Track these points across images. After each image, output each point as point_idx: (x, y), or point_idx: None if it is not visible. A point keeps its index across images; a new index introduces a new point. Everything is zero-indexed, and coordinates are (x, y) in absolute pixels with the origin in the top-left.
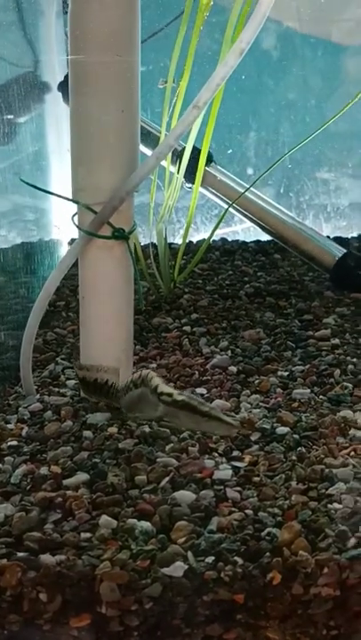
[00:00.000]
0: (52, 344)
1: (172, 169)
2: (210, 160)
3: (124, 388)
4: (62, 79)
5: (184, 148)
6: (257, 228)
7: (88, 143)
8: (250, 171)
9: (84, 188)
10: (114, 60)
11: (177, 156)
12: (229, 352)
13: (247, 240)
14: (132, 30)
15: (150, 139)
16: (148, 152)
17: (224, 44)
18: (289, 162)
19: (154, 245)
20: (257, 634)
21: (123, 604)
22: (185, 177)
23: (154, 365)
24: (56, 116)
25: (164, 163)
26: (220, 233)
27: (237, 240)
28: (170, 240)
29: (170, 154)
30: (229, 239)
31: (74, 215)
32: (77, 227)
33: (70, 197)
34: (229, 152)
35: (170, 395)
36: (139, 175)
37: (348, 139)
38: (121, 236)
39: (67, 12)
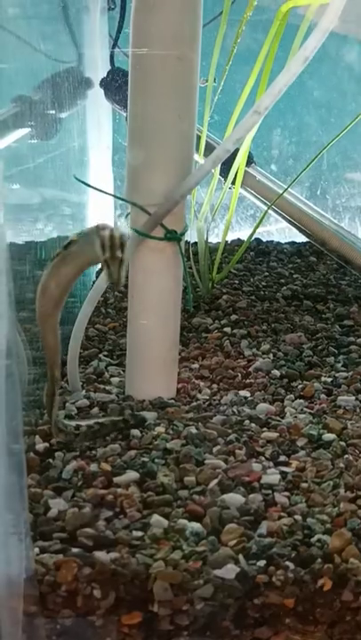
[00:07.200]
0: (95, 340)
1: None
2: (250, 161)
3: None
4: (105, 75)
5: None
6: (292, 228)
7: (145, 145)
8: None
9: (139, 189)
10: (174, 63)
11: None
12: (271, 355)
13: (282, 241)
14: (194, 33)
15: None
16: None
17: (291, 52)
18: (326, 164)
19: (192, 244)
20: (305, 638)
21: (174, 604)
22: (224, 176)
23: (196, 366)
24: (97, 112)
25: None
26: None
27: (272, 241)
28: None
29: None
30: (264, 239)
31: (127, 215)
32: (131, 227)
33: (124, 198)
34: (265, 154)
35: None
36: (194, 178)
37: None
38: (173, 237)
39: (111, 9)
